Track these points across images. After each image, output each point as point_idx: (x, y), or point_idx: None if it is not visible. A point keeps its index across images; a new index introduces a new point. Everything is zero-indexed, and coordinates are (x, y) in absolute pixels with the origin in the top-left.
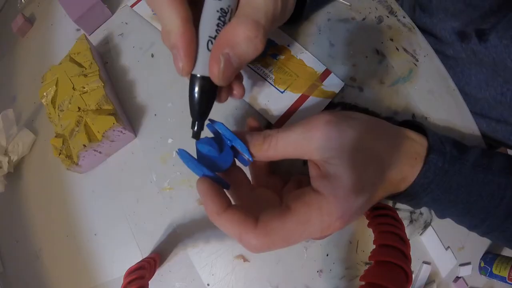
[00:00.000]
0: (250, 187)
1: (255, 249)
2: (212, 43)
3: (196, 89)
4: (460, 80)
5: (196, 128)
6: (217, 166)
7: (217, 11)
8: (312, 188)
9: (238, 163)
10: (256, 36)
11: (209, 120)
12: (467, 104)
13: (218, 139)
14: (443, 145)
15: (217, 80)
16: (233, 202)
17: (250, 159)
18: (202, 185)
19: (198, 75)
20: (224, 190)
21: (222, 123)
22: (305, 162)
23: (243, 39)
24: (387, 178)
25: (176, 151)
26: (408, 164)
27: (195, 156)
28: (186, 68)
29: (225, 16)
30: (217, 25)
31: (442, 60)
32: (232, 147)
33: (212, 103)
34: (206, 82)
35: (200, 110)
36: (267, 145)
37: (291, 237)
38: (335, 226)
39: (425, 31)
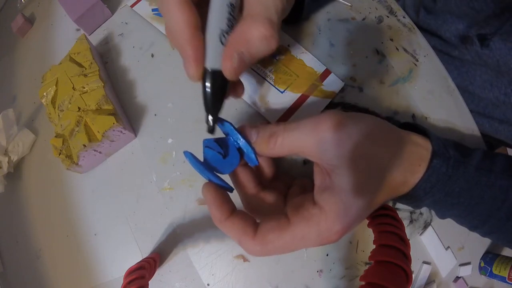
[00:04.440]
0: (256, 188)
1: (254, 255)
2: (224, 36)
3: (209, 82)
4: (465, 79)
5: (211, 122)
6: (224, 167)
7: (227, 5)
8: (313, 201)
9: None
10: (271, 35)
11: (219, 119)
12: (471, 104)
13: (226, 140)
14: (446, 149)
15: (228, 74)
16: (239, 198)
17: (256, 163)
18: (207, 192)
19: (211, 69)
20: (231, 189)
21: (230, 124)
22: (305, 162)
23: (258, 38)
24: (387, 185)
25: (183, 153)
26: (411, 170)
27: (202, 158)
28: (196, 74)
29: (234, 11)
30: (228, 19)
31: (448, 60)
32: (239, 149)
33: (224, 97)
34: (219, 76)
35: (212, 103)
36: (273, 144)
37: (286, 249)
38: (333, 239)
39: (429, 33)
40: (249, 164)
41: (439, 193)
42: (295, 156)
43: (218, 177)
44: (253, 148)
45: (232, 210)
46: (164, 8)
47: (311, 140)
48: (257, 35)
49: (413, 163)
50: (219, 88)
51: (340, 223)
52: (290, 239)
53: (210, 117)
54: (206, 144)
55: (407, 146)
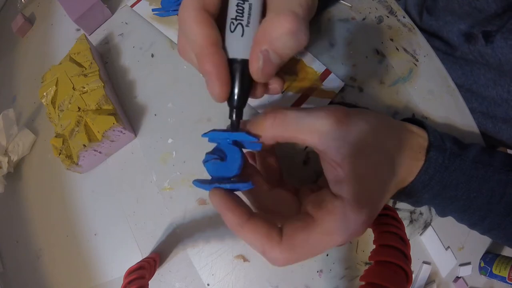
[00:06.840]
0: (267, 187)
1: (280, 264)
2: (233, 24)
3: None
4: (469, 78)
5: (234, 117)
6: (229, 169)
7: None
8: (331, 194)
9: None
10: (298, 29)
11: (202, 135)
12: (474, 103)
13: (218, 145)
14: (443, 141)
15: (256, 77)
16: (249, 204)
17: (259, 146)
18: (215, 198)
19: (231, 58)
20: (250, 185)
21: (213, 130)
22: (305, 162)
23: (283, 33)
24: (397, 171)
25: (192, 183)
26: (413, 157)
27: (207, 179)
28: (221, 94)
29: None
30: (237, 5)
31: (452, 60)
32: (236, 143)
33: (248, 88)
34: (239, 65)
35: (234, 96)
36: (271, 120)
37: (316, 249)
38: (359, 232)
39: (432, 35)
40: (253, 149)
41: (437, 185)
42: (295, 147)
43: (231, 182)
44: (246, 132)
45: (249, 212)
46: (182, 22)
47: (319, 126)
48: (281, 30)
49: (415, 151)
50: (241, 79)
51: (366, 213)
52: (319, 237)
53: (235, 111)
54: (205, 160)
55: (407, 135)
